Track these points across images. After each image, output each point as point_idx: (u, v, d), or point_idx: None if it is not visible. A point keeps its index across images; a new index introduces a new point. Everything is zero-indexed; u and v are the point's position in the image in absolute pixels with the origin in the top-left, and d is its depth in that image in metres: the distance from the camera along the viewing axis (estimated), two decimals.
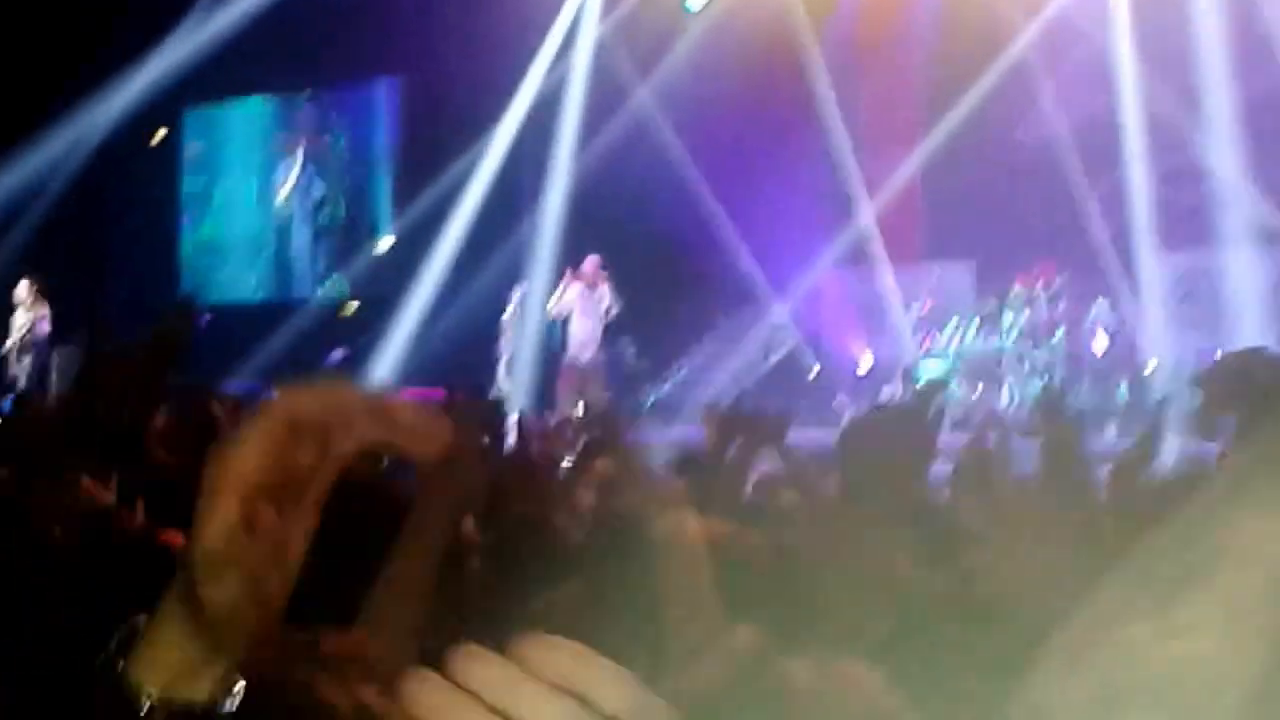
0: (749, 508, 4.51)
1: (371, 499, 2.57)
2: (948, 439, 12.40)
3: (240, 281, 21.65)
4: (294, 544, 1.08)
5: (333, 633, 1.99)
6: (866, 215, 16.28)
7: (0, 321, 16.94)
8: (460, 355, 16.44)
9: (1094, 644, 0.95)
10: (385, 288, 18.38)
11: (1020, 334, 14.62)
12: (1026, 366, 14.56)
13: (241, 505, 1.04)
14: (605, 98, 17.01)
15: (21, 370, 16.76)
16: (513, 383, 15.69)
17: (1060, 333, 14.56)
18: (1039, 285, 14.57)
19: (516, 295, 16.07)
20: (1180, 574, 0.94)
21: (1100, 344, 14.44)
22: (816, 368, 16.19)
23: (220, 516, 1.04)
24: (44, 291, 16.94)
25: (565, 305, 14.93)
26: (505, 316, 16.00)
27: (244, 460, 1.05)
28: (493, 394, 15.48)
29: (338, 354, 17.72)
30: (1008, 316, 14.56)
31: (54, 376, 16.65)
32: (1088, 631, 0.96)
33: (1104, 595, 0.98)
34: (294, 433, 1.06)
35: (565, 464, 8.26)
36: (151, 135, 21.26)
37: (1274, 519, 0.95)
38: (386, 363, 17.38)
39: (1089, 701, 0.93)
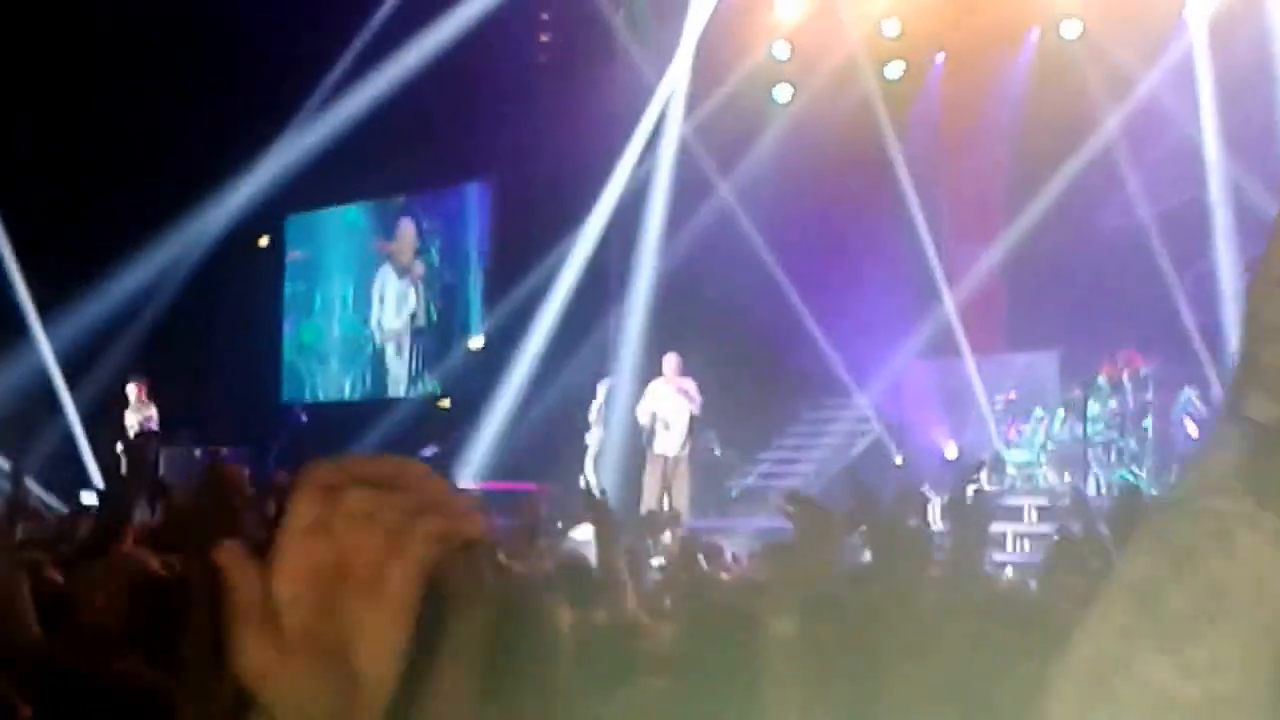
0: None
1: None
2: (1030, 528, 12.12)
3: (338, 382, 21.99)
4: (373, 655, 0.90)
5: None
6: (950, 305, 16.16)
7: (113, 420, 17.26)
8: (548, 450, 16.54)
9: (1110, 680, 0.94)
10: (477, 385, 18.51)
11: (1106, 423, 14.29)
12: (1113, 455, 14.23)
13: (292, 609, 0.88)
14: (690, 194, 17.11)
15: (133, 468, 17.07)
16: (599, 477, 15.58)
17: (1148, 421, 14.20)
18: (1125, 374, 14.27)
19: (603, 390, 16.06)
20: (1190, 608, 0.94)
21: (1191, 431, 14.10)
22: (900, 458, 15.97)
23: (256, 632, 0.88)
24: (152, 392, 17.29)
25: (650, 402, 14.81)
26: (592, 412, 15.99)
27: (285, 556, 0.90)
28: (581, 487, 15.62)
29: (429, 450, 17.84)
30: (1093, 406, 14.22)
31: (162, 474, 16.81)
32: (1100, 665, 0.95)
33: (1108, 624, 0.97)
34: (336, 505, 0.91)
35: (655, 561, 8.21)
36: (256, 241, 21.77)
37: (1271, 550, 0.95)
38: (476, 459, 17.45)
39: None
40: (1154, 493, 13.47)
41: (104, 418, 17.66)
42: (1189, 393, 14.09)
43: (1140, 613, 0.95)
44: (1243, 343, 1.02)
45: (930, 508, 14.20)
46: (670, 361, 14.75)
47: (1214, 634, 0.93)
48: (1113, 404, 14.29)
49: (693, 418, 14.62)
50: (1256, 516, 0.96)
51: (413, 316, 21.19)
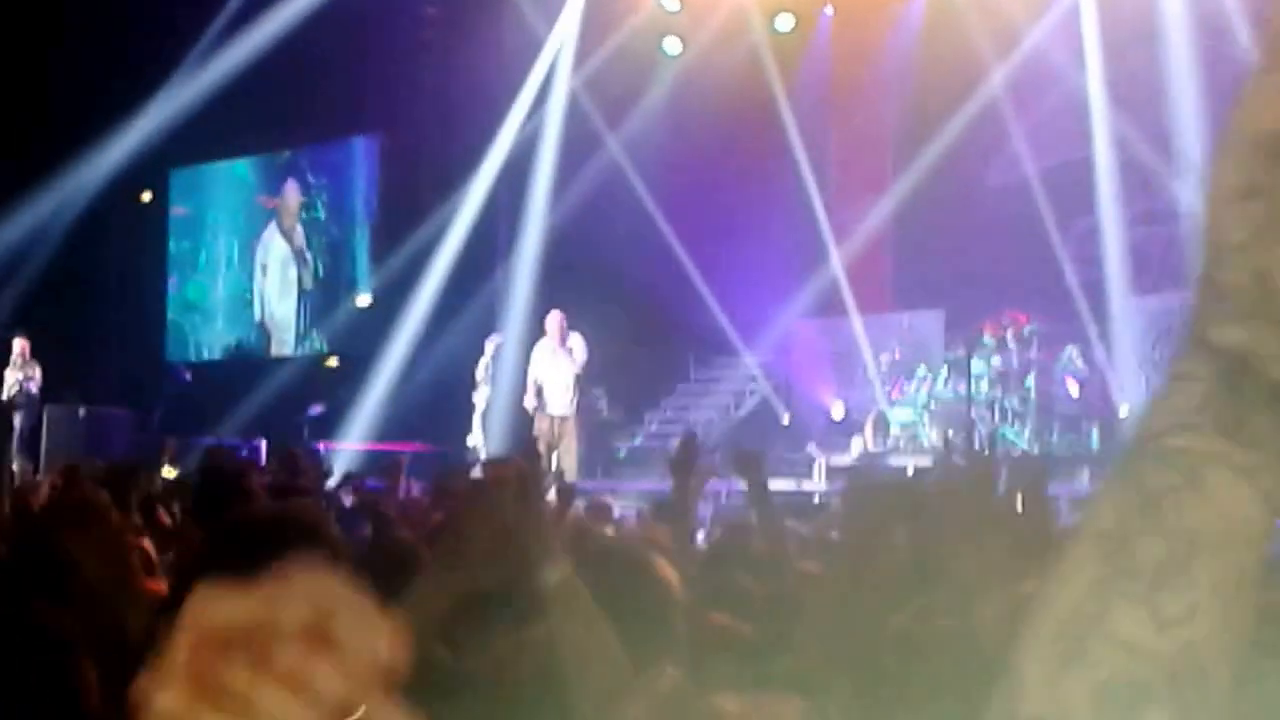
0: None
1: None
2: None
3: (224, 341, 21.84)
4: None
5: None
6: (836, 264, 16.24)
7: None
8: (436, 408, 16.53)
9: (1083, 635, 0.93)
10: (365, 343, 18.41)
11: (990, 381, 14.41)
12: (996, 413, 14.33)
13: None
14: (579, 148, 17.09)
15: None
16: (486, 436, 15.62)
17: (1031, 379, 14.36)
18: (1009, 332, 14.40)
19: (490, 348, 15.99)
20: (1161, 555, 0.93)
21: (1071, 390, 14.27)
22: (788, 417, 16.06)
23: None
24: (35, 351, 17.11)
25: (535, 360, 14.80)
26: (480, 370, 15.92)
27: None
28: (467, 446, 15.60)
29: (315, 409, 17.79)
30: (977, 364, 14.30)
31: (45, 435, 16.91)
32: (1073, 621, 0.94)
33: (1078, 577, 0.95)
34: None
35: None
36: (139, 196, 21.49)
37: (1242, 487, 0.94)
38: (363, 417, 17.40)
39: (1095, 702, 0.91)
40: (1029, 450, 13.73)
41: None
42: (1071, 351, 14.32)
43: (1111, 563, 0.93)
44: (1201, 268, 0.99)
45: (816, 467, 14.41)
46: (554, 320, 14.71)
47: (1186, 581, 0.92)
48: (996, 362, 14.43)
49: (577, 377, 14.59)
50: (1226, 452, 0.94)
51: (299, 274, 21.02)
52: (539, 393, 14.61)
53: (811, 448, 15.03)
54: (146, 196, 21.75)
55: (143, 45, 18.38)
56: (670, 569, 3.10)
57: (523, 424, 14.99)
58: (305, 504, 4.26)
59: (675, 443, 4.47)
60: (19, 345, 17.03)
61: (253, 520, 2.92)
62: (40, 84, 18.86)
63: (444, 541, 2.72)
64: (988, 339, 14.41)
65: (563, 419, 14.57)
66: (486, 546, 2.50)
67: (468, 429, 15.79)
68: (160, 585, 3.89)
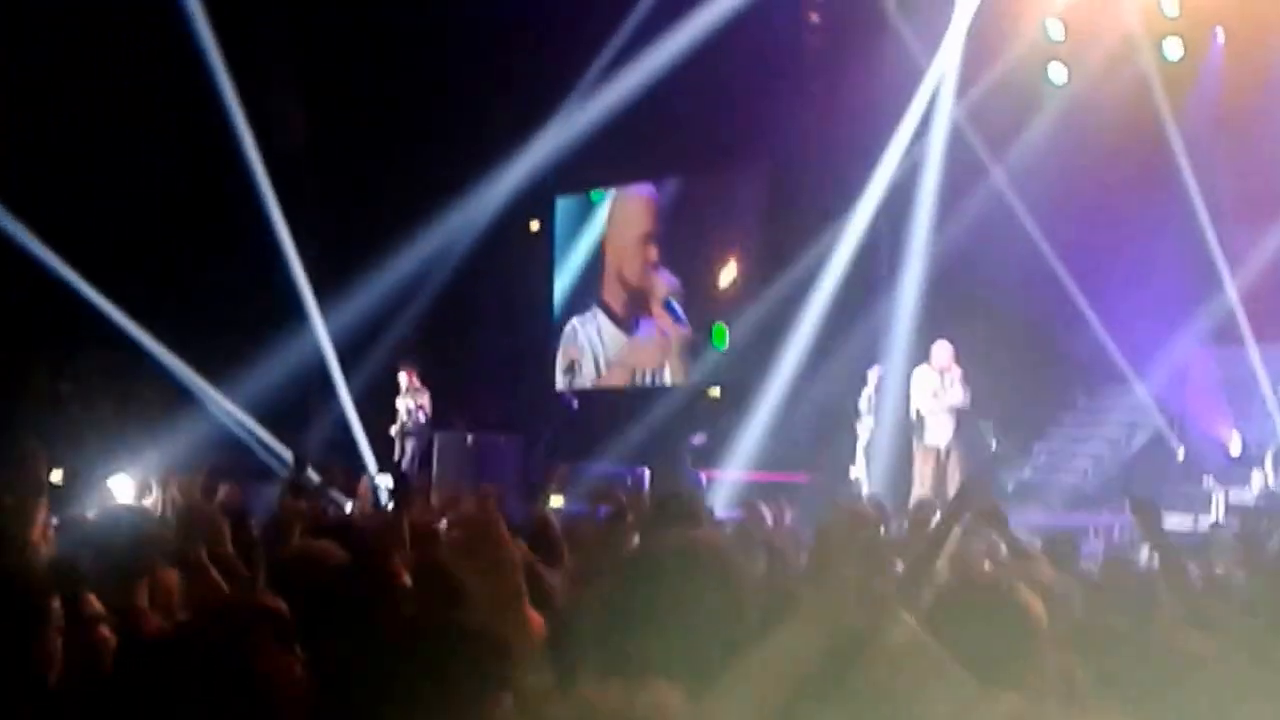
0: None
1: None
2: None
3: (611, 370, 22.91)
4: None
5: None
6: (1231, 292, 16.39)
7: (387, 405, 18.61)
8: (818, 439, 17.34)
9: None
10: (746, 374, 19.19)
11: None
12: None
13: None
14: (962, 177, 17.56)
15: (405, 454, 18.44)
16: (869, 467, 16.20)
17: None
18: None
19: (873, 378, 16.54)
20: None
21: None
22: (1182, 450, 16.35)
23: None
24: (424, 378, 18.56)
25: (918, 391, 15.31)
26: (862, 400, 16.50)
27: None
28: (850, 478, 16.29)
29: (697, 438, 18.77)
30: None
31: (435, 460, 18.32)
32: None
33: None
34: None
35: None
36: (527, 226, 23.01)
37: None
38: (745, 448, 18.11)
39: None
40: None
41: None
42: None
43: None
44: None
45: (1214, 502, 14.59)
46: (943, 350, 15.24)
47: None
48: None
49: (959, 408, 15.14)
50: None
51: (676, 295, 21.97)
52: (920, 423, 15.22)
53: (1209, 481, 15.30)
54: (535, 226, 23.24)
55: (531, 76, 19.85)
56: (1037, 602, 3.34)
57: (905, 456, 15.62)
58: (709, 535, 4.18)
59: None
60: (407, 374, 18.44)
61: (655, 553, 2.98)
62: (430, 117, 20.61)
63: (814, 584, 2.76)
64: None
65: (948, 450, 15.11)
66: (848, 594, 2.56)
67: (850, 460, 16.39)
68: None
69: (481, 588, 3.57)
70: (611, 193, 23.08)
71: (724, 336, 20.94)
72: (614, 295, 22.89)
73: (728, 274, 21.50)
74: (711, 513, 8.68)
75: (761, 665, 2.50)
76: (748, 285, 20.61)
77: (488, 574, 3.58)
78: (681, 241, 22.07)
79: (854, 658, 2.68)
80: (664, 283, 22.16)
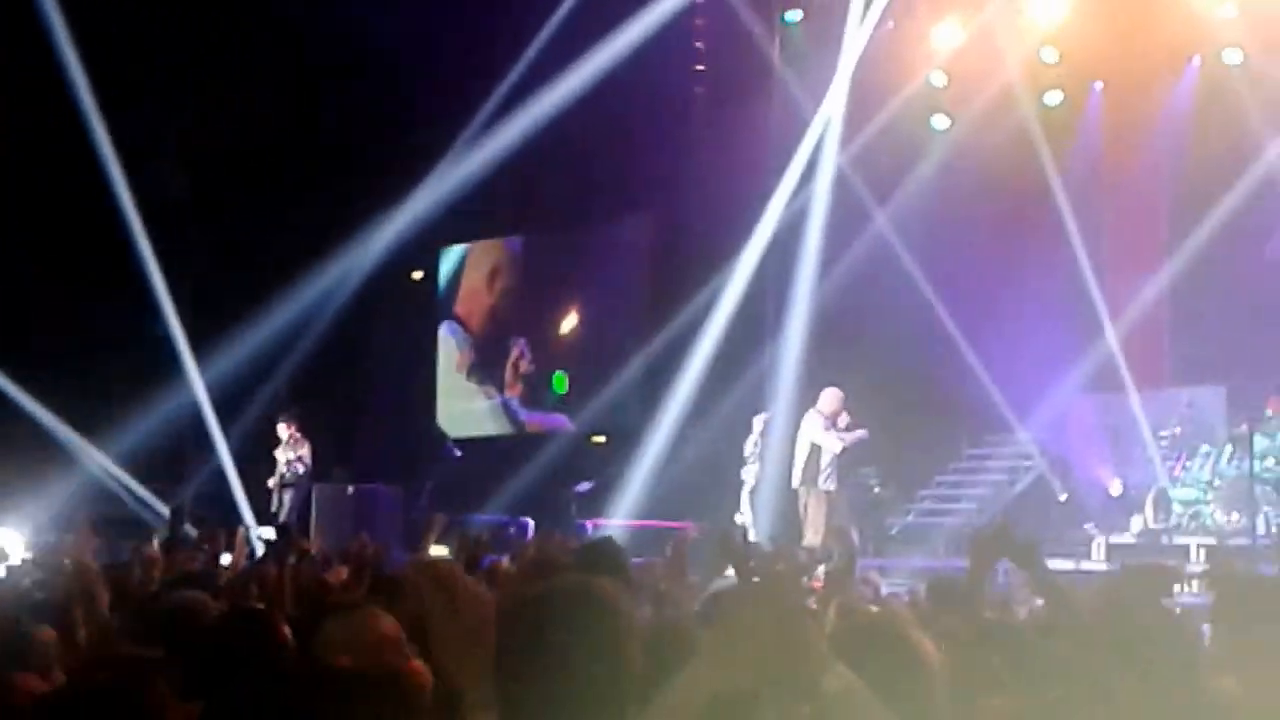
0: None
1: None
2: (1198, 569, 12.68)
3: (499, 416, 23.00)
4: None
5: None
6: (1112, 340, 16.80)
7: (267, 457, 18.29)
8: (703, 487, 17.31)
9: None
10: (631, 421, 19.35)
11: (1276, 459, 14.76)
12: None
13: None
14: (847, 224, 17.84)
15: (283, 506, 18.23)
16: (755, 513, 16.27)
17: None
18: None
19: (759, 424, 16.62)
20: None
21: None
22: (1065, 494, 16.65)
23: None
24: (304, 429, 18.28)
25: (806, 437, 15.34)
26: (748, 447, 16.57)
27: None
28: (735, 524, 16.35)
29: (584, 486, 18.80)
30: (1261, 441, 14.65)
31: (314, 513, 18.13)
32: None
33: None
34: None
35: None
36: (409, 275, 22.99)
37: None
38: (630, 496, 18.13)
39: None
40: None
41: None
42: None
43: None
44: None
45: (1095, 546, 14.94)
46: (829, 396, 15.32)
47: None
48: None
49: (847, 454, 15.19)
50: None
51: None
52: (807, 469, 15.22)
53: (1090, 527, 15.65)
54: (417, 275, 23.27)
55: (416, 126, 19.83)
56: (931, 647, 3.42)
57: (791, 501, 15.63)
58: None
59: (986, 524, 4.04)
60: (287, 426, 18.13)
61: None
62: (312, 167, 20.48)
63: (718, 631, 2.85)
64: (1271, 415, 14.87)
65: (834, 495, 15.13)
66: (763, 641, 2.63)
67: (736, 507, 16.45)
68: None
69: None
70: (475, 244, 23.36)
71: (563, 382, 21.43)
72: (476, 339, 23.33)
73: (569, 322, 22.01)
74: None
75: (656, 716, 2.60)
76: (634, 332, 20.72)
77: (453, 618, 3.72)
78: (537, 290, 22.53)
79: (750, 709, 2.78)
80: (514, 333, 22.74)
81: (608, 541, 6.86)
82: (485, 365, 23.19)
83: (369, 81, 19.93)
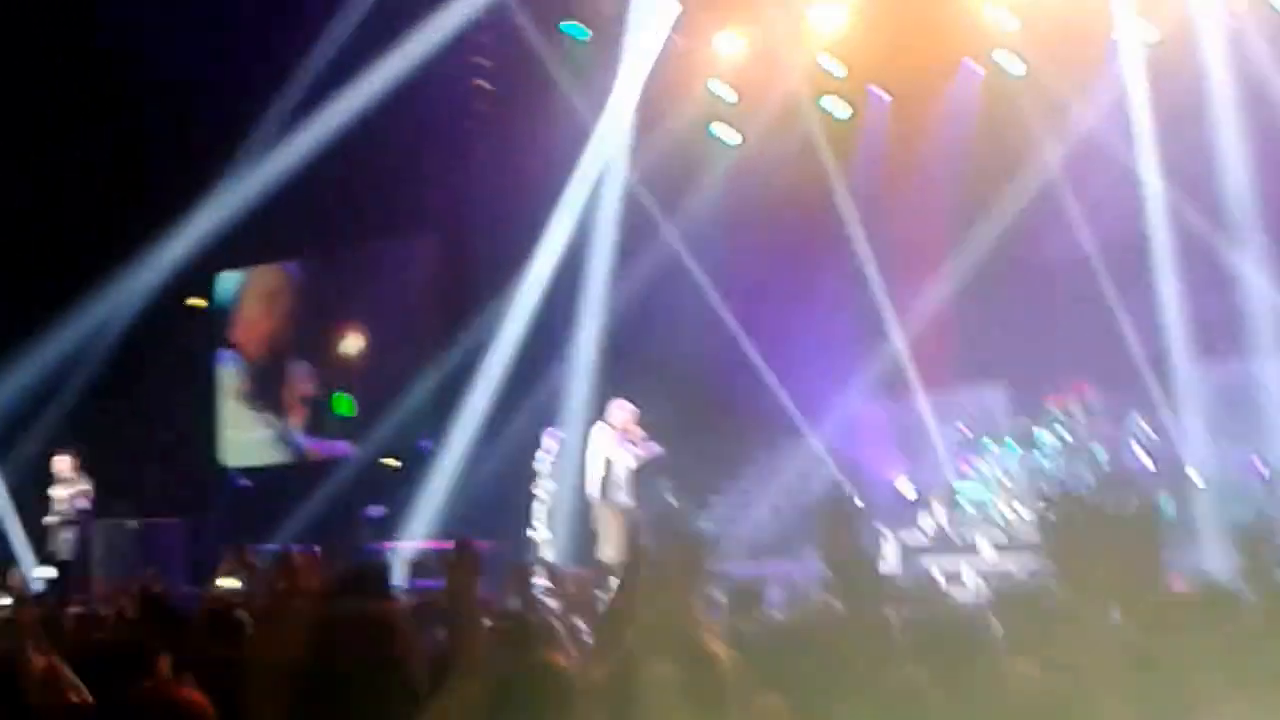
0: None
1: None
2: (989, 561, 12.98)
3: (279, 444, 22.71)
4: None
5: None
6: (899, 343, 17.25)
7: (41, 495, 17.66)
8: (498, 505, 17.23)
9: None
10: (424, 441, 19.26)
11: (1057, 453, 15.35)
12: (1066, 485, 15.02)
13: None
14: (635, 238, 18.06)
15: (64, 545, 17.64)
16: (549, 529, 16.24)
17: (1098, 449, 15.26)
18: (1072, 403, 15.37)
19: (549, 441, 16.47)
20: None
21: (1141, 458, 15.09)
22: (856, 497, 16.87)
23: None
24: (84, 464, 17.64)
25: (597, 451, 15.44)
26: (540, 463, 16.43)
27: None
28: (529, 540, 16.31)
29: (377, 510, 18.64)
30: (1043, 436, 15.33)
31: (96, 551, 17.58)
32: None
33: None
34: None
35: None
36: (185, 302, 22.45)
37: None
38: (424, 515, 18.12)
39: None
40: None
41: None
42: (1135, 418, 15.20)
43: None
44: None
45: (886, 547, 15.21)
46: (618, 409, 15.42)
47: None
48: (1062, 433, 15.40)
49: (638, 466, 15.33)
50: None
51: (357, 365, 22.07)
52: (602, 483, 15.33)
53: (880, 526, 15.92)
54: (198, 302, 22.82)
55: (191, 147, 19.37)
56: (723, 647, 3.59)
57: (586, 515, 15.74)
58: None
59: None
60: (66, 461, 17.48)
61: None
62: (81, 197, 19.98)
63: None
64: (1052, 410, 15.42)
65: (628, 509, 15.23)
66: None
67: (528, 524, 16.30)
68: None
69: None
70: (253, 269, 23.14)
71: (346, 404, 21.48)
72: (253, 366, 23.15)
73: (354, 344, 21.91)
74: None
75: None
76: (423, 352, 20.52)
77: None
78: (317, 313, 22.37)
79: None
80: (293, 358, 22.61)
81: (365, 570, 6.84)
82: (264, 393, 22.87)
83: (148, 94, 19.39)
